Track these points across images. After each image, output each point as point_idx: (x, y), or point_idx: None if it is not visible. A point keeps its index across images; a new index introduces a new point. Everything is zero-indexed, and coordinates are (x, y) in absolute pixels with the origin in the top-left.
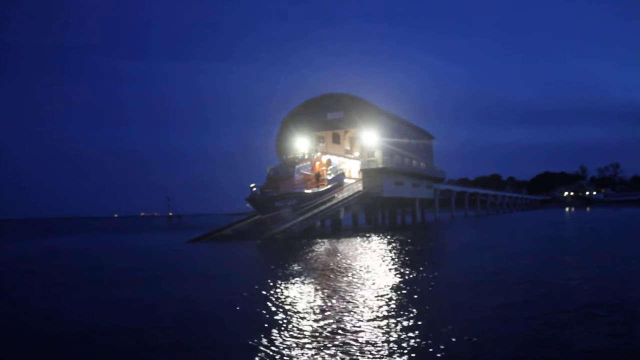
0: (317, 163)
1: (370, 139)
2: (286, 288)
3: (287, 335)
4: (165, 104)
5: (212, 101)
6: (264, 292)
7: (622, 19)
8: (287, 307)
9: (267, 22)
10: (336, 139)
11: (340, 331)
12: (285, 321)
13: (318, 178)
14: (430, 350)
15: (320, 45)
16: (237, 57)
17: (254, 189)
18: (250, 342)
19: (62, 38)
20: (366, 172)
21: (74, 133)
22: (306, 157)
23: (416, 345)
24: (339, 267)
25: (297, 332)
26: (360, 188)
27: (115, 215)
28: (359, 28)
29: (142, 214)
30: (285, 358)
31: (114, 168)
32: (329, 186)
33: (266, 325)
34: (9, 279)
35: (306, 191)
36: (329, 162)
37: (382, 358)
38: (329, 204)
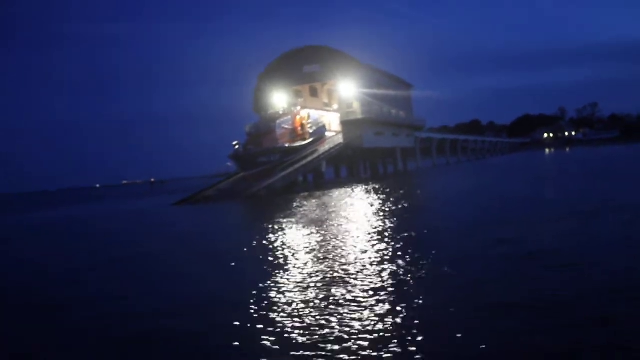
0: (298, 117)
1: (348, 91)
2: (269, 243)
3: (269, 293)
4: (140, 67)
5: (186, 61)
6: (245, 250)
7: None
8: (269, 263)
9: None
10: (314, 93)
11: (325, 290)
12: (266, 277)
13: (303, 128)
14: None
15: None
16: (211, 14)
17: (237, 146)
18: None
19: (24, 5)
20: (345, 124)
21: (50, 103)
22: (286, 111)
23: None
24: (321, 221)
25: (279, 291)
26: (341, 140)
27: (97, 185)
28: None
29: (124, 181)
30: (267, 320)
31: (93, 137)
32: (310, 140)
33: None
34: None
35: (288, 145)
36: (308, 116)
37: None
38: (310, 158)
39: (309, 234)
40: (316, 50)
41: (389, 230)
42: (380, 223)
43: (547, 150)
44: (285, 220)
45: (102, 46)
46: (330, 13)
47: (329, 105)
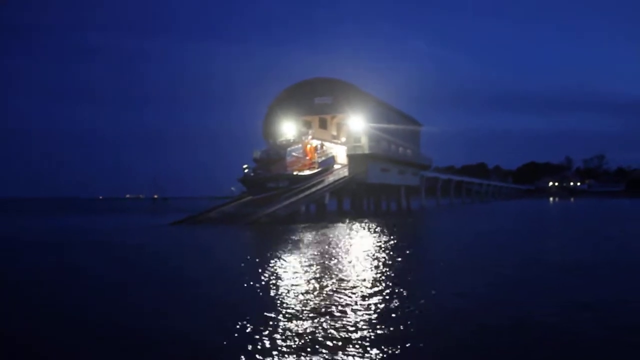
0: (308, 146)
1: (357, 125)
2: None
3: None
4: (152, 84)
5: (198, 82)
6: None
7: (610, 12)
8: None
9: (257, 3)
10: (323, 124)
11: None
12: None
13: (313, 157)
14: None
15: (311, 26)
16: (225, 37)
17: (247, 170)
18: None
19: (43, 16)
20: (352, 158)
21: (58, 114)
22: (297, 140)
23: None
24: (315, 259)
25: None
26: (346, 174)
27: (100, 197)
28: (352, 8)
29: (127, 195)
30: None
31: (99, 149)
32: (319, 169)
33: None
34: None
35: (297, 173)
36: (322, 146)
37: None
38: (314, 189)
39: (296, 273)
40: (328, 83)
41: (375, 271)
42: (369, 263)
43: (551, 199)
44: (279, 253)
45: (118, 61)
46: (343, 45)
47: (337, 138)
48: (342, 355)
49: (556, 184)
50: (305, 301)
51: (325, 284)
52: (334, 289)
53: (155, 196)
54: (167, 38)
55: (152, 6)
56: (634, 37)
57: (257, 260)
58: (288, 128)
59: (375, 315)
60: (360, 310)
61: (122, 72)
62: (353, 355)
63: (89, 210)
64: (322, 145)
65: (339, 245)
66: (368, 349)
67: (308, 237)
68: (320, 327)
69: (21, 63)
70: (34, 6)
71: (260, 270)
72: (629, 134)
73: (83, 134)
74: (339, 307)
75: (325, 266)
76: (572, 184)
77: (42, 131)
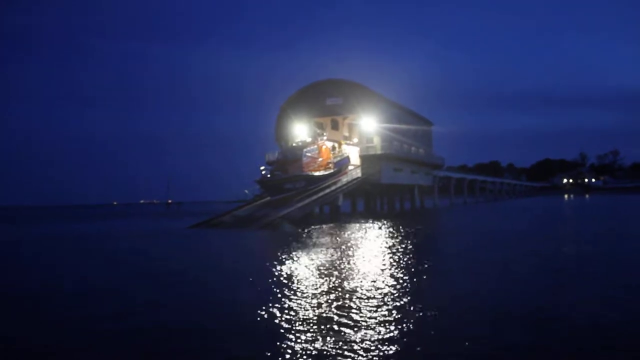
0: (324, 147)
1: (369, 125)
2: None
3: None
4: (162, 89)
5: (209, 86)
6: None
7: (626, 5)
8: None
9: (265, 5)
10: (335, 125)
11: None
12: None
13: (328, 158)
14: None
15: (320, 29)
16: (236, 41)
17: (264, 171)
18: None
19: (39, 16)
20: (365, 159)
21: (72, 118)
22: (313, 141)
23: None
24: (330, 261)
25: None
26: (359, 175)
27: (115, 203)
28: (359, 10)
29: (142, 201)
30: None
31: (112, 155)
32: (335, 169)
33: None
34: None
35: (313, 173)
36: (340, 145)
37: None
38: (327, 190)
39: (306, 279)
40: (339, 84)
41: (388, 269)
42: (383, 262)
43: (566, 197)
44: (293, 256)
45: (125, 64)
46: (349, 46)
47: (349, 139)
48: (356, 354)
49: (570, 180)
50: (319, 305)
51: (336, 284)
52: (345, 288)
53: (169, 201)
54: (180, 42)
55: (163, 11)
56: None
57: (270, 261)
58: (300, 130)
59: (389, 318)
60: (373, 312)
61: (131, 76)
62: (366, 355)
63: (108, 216)
64: (339, 145)
65: (352, 247)
66: (380, 350)
67: (321, 239)
68: (332, 328)
69: (34, 67)
70: (35, 9)
71: (271, 271)
72: None
73: (95, 140)
74: (351, 307)
75: (338, 267)
76: (586, 180)
77: (52, 137)
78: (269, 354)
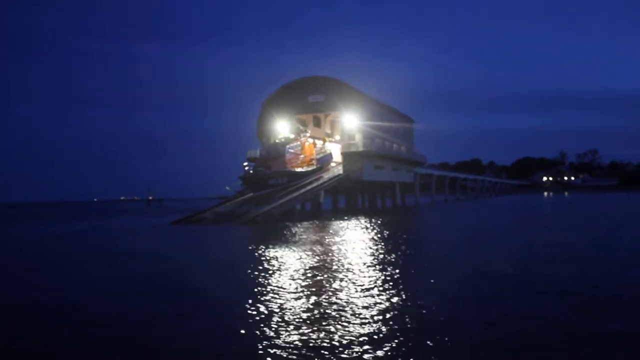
0: (307, 143)
1: (351, 123)
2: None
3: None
4: (147, 86)
5: (191, 84)
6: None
7: (603, 6)
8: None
9: (253, 3)
10: (317, 122)
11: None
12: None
13: (311, 154)
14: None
15: (306, 29)
16: (220, 39)
17: (247, 167)
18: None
19: (34, 16)
20: (346, 156)
21: (49, 117)
22: (295, 137)
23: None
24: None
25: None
26: (341, 171)
27: (95, 200)
28: (350, 11)
29: (122, 197)
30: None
31: (91, 151)
32: (317, 166)
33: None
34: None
35: (296, 170)
36: (324, 142)
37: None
38: (309, 187)
39: (280, 274)
40: (321, 81)
41: (367, 264)
42: (363, 258)
43: (545, 194)
44: (272, 252)
45: (111, 64)
46: (336, 44)
47: (331, 136)
48: (343, 354)
49: (550, 178)
50: (304, 299)
51: (318, 280)
52: (328, 286)
53: (150, 198)
54: (161, 41)
55: (145, 10)
56: (625, 33)
57: (251, 257)
58: (282, 126)
59: (374, 312)
60: (358, 308)
61: (114, 75)
62: (354, 354)
63: (89, 214)
64: (323, 142)
65: (333, 243)
66: (368, 347)
67: (302, 235)
68: (319, 325)
69: (17, 66)
70: (35, 9)
71: (253, 267)
72: (622, 130)
73: (75, 137)
74: (336, 304)
75: (318, 263)
76: (566, 178)
77: (32, 134)
78: (249, 351)
